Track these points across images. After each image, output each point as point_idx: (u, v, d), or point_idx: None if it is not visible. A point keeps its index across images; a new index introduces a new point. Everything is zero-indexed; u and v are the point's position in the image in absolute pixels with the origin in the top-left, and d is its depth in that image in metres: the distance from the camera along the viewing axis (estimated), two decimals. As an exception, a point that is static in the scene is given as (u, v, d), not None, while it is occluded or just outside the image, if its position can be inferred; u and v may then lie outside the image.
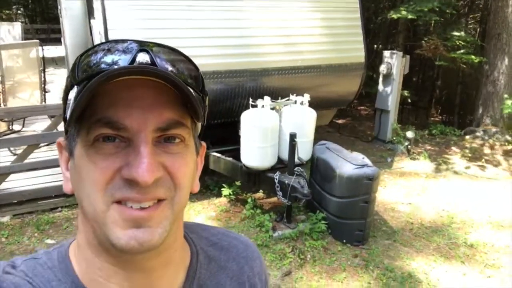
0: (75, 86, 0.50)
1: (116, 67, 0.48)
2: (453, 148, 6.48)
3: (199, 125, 0.58)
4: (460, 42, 6.99)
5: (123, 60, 0.49)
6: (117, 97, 0.49)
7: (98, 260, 0.54)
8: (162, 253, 0.56)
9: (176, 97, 0.50)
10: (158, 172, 0.49)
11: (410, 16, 6.65)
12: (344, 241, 3.67)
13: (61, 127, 4.15)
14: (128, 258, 0.53)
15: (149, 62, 0.49)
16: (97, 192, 0.49)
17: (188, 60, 0.54)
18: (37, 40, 6.23)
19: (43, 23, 14.66)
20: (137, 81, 0.48)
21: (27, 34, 10.87)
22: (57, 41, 10.17)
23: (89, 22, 4.70)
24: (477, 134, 6.74)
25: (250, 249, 0.74)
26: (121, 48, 0.50)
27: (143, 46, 0.51)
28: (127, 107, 0.49)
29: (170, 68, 0.50)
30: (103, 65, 0.49)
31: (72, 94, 0.51)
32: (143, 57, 0.49)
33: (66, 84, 0.53)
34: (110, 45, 0.51)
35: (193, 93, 0.51)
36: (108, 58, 0.49)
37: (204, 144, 0.64)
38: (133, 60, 0.49)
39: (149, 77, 0.48)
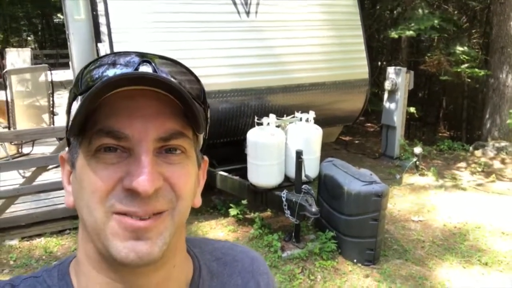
0: (78, 97, 0.51)
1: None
2: (462, 163, 6.40)
3: (201, 138, 0.58)
4: (464, 56, 7.02)
5: (125, 72, 0.49)
6: (118, 107, 0.49)
7: (98, 275, 0.54)
8: (160, 268, 0.54)
9: (177, 108, 0.50)
10: (158, 182, 0.49)
11: (409, 34, 6.70)
12: (355, 260, 3.60)
13: (69, 149, 4.19)
14: (127, 272, 0.52)
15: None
16: (97, 202, 0.49)
17: (189, 72, 0.55)
18: (46, 65, 6.36)
19: (52, 48, 15.05)
20: (139, 91, 0.49)
21: (36, 59, 11.14)
22: (66, 65, 10.38)
23: (96, 46, 4.81)
24: (486, 148, 6.67)
25: (257, 264, 0.71)
26: (123, 61, 0.51)
27: (146, 58, 0.51)
28: (128, 116, 0.49)
29: (172, 79, 0.50)
30: (105, 78, 0.49)
31: (75, 105, 0.51)
32: (145, 69, 0.50)
33: (70, 96, 0.54)
34: (113, 58, 0.51)
35: (195, 103, 0.51)
36: (111, 71, 0.50)
37: (206, 158, 0.63)
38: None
39: (150, 87, 0.48)
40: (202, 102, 0.55)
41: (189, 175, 0.53)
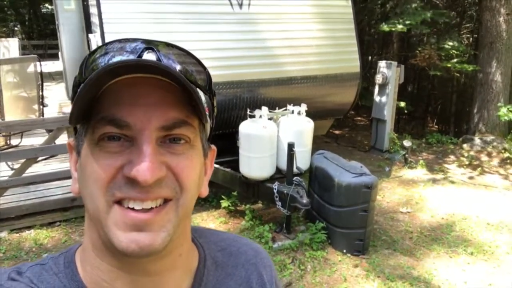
0: (82, 85, 0.50)
1: None
2: (450, 157, 6.51)
3: (208, 127, 0.57)
4: (453, 51, 7.09)
5: (124, 59, 0.48)
6: (121, 95, 0.49)
7: (102, 263, 0.54)
8: (165, 257, 0.55)
9: (182, 97, 0.50)
10: (160, 172, 0.48)
11: (400, 29, 6.75)
12: (344, 251, 3.66)
13: (59, 140, 4.16)
14: (131, 261, 0.52)
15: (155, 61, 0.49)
16: (99, 190, 0.49)
17: (196, 60, 0.54)
18: (35, 55, 6.26)
19: (40, 39, 14.75)
20: (142, 79, 0.48)
21: (24, 50, 10.91)
22: (54, 56, 10.21)
23: (87, 36, 4.75)
24: (474, 142, 6.78)
25: (260, 256, 0.71)
26: (128, 48, 0.50)
27: (150, 45, 0.50)
28: (131, 105, 0.48)
29: (177, 67, 0.50)
30: (103, 65, 0.48)
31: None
32: (149, 57, 0.49)
33: (74, 83, 0.54)
34: (119, 44, 0.51)
35: (198, 91, 0.51)
36: (116, 58, 0.49)
37: (214, 147, 0.63)
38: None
39: (153, 75, 0.48)
40: (208, 90, 0.54)
41: (193, 167, 0.52)
